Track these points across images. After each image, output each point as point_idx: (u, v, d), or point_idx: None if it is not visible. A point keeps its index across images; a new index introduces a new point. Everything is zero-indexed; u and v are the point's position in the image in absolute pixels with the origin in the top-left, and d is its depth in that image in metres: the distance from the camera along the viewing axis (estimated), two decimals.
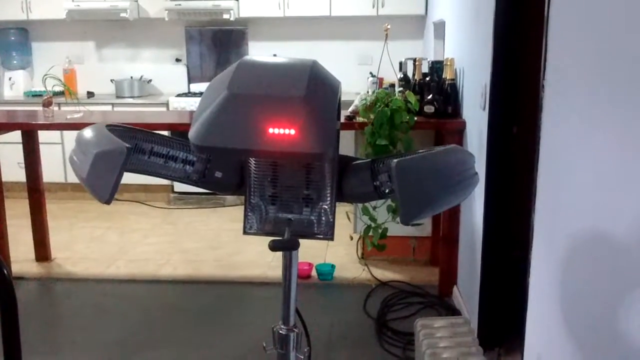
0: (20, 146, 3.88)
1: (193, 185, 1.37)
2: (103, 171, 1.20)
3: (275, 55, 5.53)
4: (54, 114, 3.75)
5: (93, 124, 1.35)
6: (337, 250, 4.12)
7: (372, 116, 3.23)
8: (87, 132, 1.30)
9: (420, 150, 1.32)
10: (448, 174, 1.26)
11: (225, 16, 5.46)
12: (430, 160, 1.26)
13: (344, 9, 5.39)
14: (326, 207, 1.36)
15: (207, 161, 1.34)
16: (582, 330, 1.57)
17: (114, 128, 1.32)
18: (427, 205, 1.22)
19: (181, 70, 5.99)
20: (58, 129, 4.68)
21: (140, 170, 1.33)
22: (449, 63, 3.36)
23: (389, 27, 3.77)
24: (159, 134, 1.36)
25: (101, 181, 1.20)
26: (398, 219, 3.67)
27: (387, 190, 1.31)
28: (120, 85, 5.74)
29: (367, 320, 3.20)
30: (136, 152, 1.32)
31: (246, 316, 3.26)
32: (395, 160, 1.22)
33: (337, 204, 1.37)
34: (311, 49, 5.75)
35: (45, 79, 3.69)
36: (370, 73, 5.25)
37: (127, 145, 1.20)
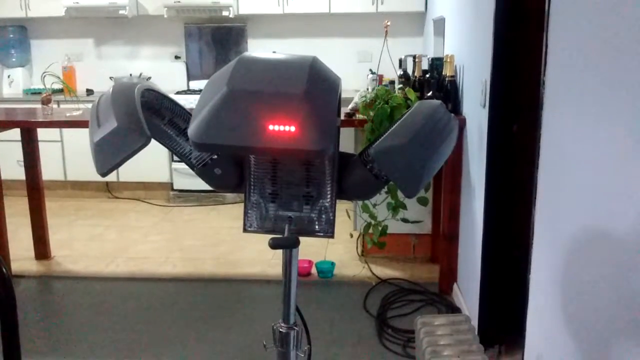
0: (20, 144, 3.88)
1: (190, 167, 1.37)
2: (114, 146, 1.18)
3: (274, 52, 5.52)
4: (53, 112, 3.74)
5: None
6: (337, 248, 4.12)
7: (371, 113, 3.22)
8: (124, 93, 1.27)
9: (393, 122, 1.32)
10: (424, 134, 1.25)
11: (225, 13, 5.44)
12: (403, 130, 1.26)
13: (344, 5, 5.37)
14: (326, 204, 1.36)
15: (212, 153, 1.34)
16: (582, 328, 1.57)
17: (149, 91, 1.31)
18: (422, 172, 1.22)
19: (180, 68, 5.97)
20: (57, 127, 4.68)
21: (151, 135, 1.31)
22: (448, 60, 3.35)
23: (388, 24, 3.77)
24: (186, 110, 1.35)
25: (108, 153, 1.18)
26: (398, 217, 3.65)
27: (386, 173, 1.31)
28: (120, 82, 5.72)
29: (368, 317, 3.19)
30: (154, 115, 1.31)
31: (246, 314, 3.26)
32: (372, 147, 1.23)
33: (337, 201, 1.37)
34: (311, 46, 5.75)
35: (44, 76, 3.69)
36: (370, 70, 5.25)
37: (149, 134, 1.19)
